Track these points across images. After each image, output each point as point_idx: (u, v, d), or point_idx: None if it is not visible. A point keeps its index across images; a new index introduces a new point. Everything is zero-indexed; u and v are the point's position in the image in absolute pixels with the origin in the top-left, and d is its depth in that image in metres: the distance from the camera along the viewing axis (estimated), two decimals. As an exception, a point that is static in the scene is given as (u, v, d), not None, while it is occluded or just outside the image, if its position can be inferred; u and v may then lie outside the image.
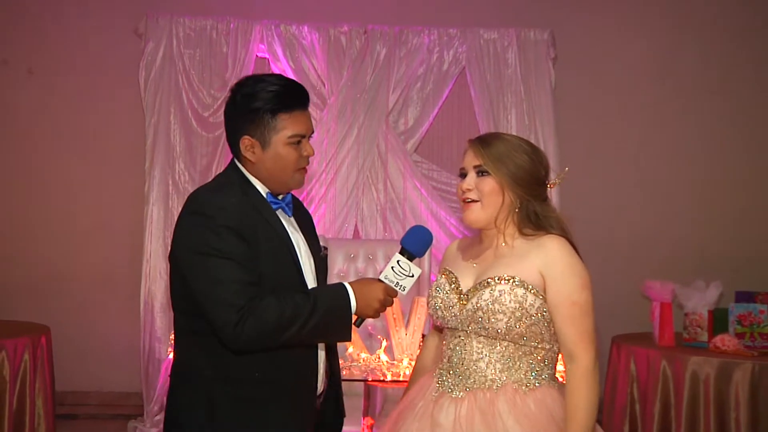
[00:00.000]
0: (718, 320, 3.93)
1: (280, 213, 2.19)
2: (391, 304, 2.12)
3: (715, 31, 5.42)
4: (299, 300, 2.02)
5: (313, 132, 2.21)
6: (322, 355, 2.22)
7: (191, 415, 2.10)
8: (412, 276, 2.09)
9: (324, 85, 5.12)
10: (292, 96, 2.14)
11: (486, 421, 2.00)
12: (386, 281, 2.10)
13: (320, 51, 5.09)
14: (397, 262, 2.09)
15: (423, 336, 3.54)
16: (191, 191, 2.21)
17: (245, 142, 2.14)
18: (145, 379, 4.88)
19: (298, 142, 2.14)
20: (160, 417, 4.82)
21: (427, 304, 2.22)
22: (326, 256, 2.32)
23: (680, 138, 5.44)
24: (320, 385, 2.23)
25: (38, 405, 3.83)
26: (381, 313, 2.13)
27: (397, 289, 2.10)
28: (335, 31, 5.11)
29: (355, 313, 2.09)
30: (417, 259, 2.15)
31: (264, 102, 2.11)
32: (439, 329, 2.29)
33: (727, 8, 5.44)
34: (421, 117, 5.18)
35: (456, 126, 5.26)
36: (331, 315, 2.04)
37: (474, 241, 2.25)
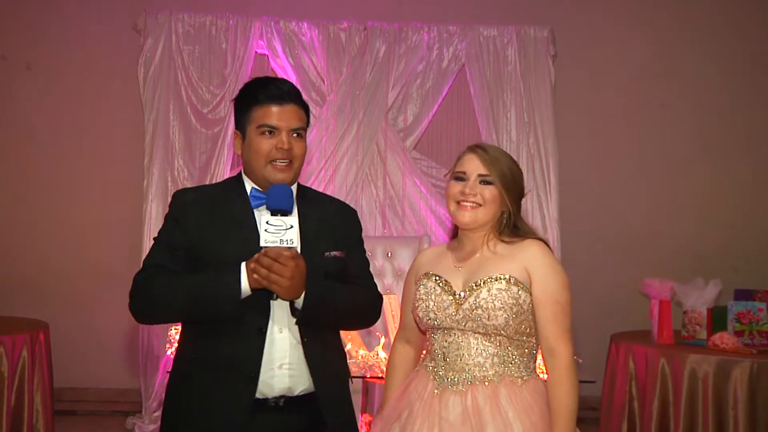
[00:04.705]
0: (717, 318, 3.93)
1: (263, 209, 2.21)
2: (269, 266, 2.06)
3: (715, 29, 5.41)
4: (191, 276, 2.16)
5: (296, 128, 2.24)
6: (283, 346, 2.17)
7: (172, 395, 2.28)
8: (291, 227, 2.08)
9: (323, 82, 5.11)
10: (264, 89, 2.25)
11: (492, 412, 2.11)
12: (268, 245, 2.07)
13: (320, 47, 5.08)
14: (266, 222, 2.08)
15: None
16: None
17: (235, 136, 2.32)
18: (144, 376, 4.88)
19: (269, 133, 2.22)
20: (159, 413, 4.81)
21: (415, 308, 2.27)
22: (334, 258, 2.27)
23: (680, 136, 5.44)
24: (280, 381, 2.17)
25: (36, 401, 3.83)
26: (281, 283, 2.06)
27: (284, 245, 2.06)
28: (335, 28, 5.10)
29: (253, 288, 2.09)
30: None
31: (242, 96, 2.30)
32: (421, 332, 2.35)
33: (727, 6, 5.43)
34: (421, 114, 5.17)
35: (455, 123, 5.27)
36: (214, 289, 2.10)
37: (451, 247, 2.35)
